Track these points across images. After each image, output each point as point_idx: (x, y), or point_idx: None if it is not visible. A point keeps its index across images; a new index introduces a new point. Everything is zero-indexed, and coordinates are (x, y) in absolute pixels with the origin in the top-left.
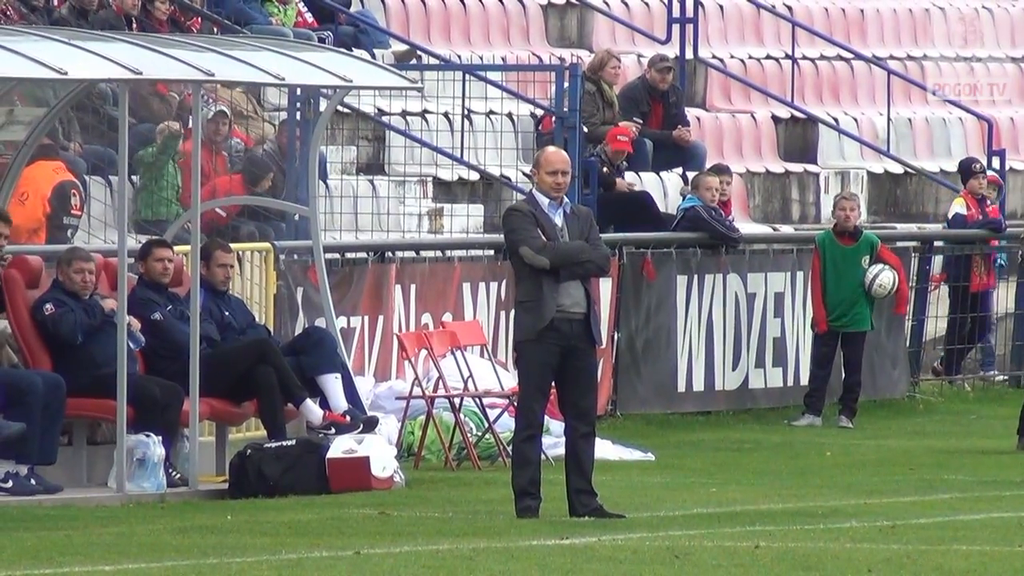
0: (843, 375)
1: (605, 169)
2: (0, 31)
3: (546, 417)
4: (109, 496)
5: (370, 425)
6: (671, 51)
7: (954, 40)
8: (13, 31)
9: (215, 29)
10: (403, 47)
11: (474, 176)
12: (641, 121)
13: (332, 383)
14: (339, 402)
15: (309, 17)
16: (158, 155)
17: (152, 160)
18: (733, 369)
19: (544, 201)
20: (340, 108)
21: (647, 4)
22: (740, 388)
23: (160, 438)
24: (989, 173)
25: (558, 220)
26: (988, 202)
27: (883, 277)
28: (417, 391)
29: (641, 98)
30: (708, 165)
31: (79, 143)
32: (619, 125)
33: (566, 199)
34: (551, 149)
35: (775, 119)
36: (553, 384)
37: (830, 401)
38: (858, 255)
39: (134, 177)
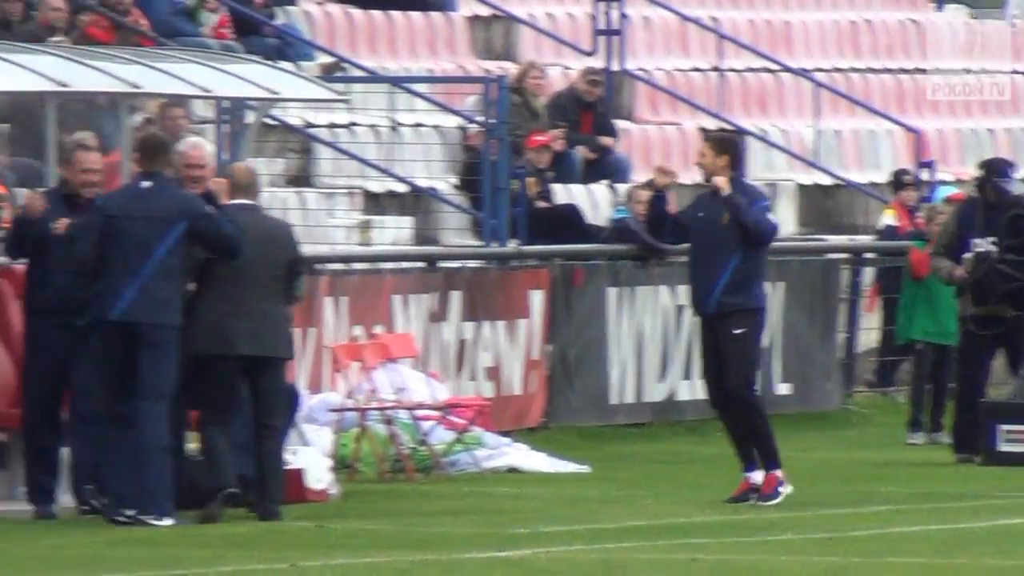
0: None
1: (532, 180)
2: None
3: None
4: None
5: None
6: (597, 63)
7: (880, 52)
8: None
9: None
10: (329, 59)
11: (403, 188)
12: (567, 125)
13: None
14: None
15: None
16: None
17: None
18: (660, 381)
19: None
20: (267, 120)
21: (572, 16)
22: (668, 400)
23: None
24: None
25: None
26: (918, 212)
27: None
28: (350, 403)
29: (570, 107)
30: (633, 177)
31: (7, 155)
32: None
33: None
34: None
35: (703, 131)
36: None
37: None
38: None
39: None
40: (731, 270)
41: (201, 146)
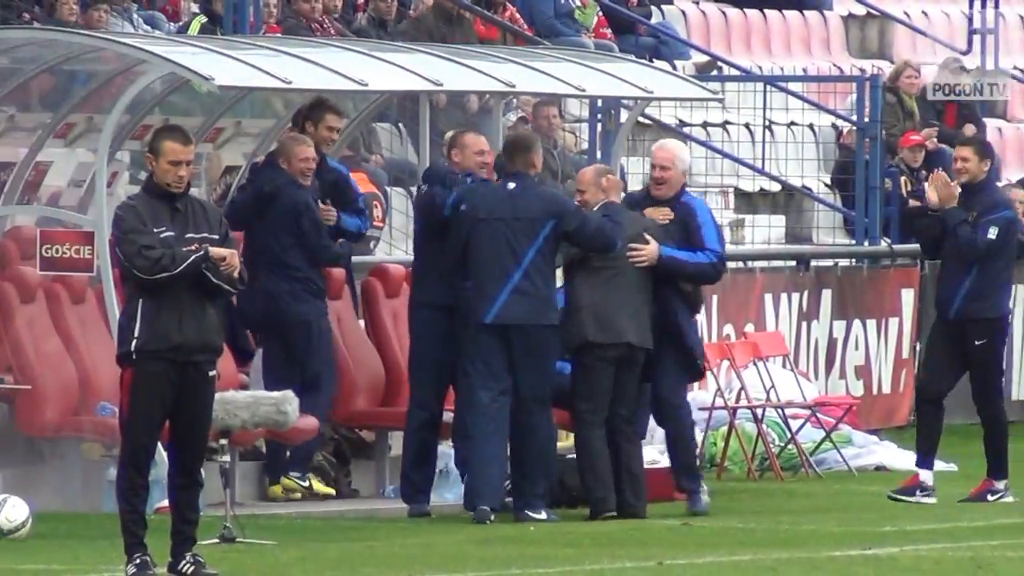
0: None
1: (905, 179)
2: (302, 43)
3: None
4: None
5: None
6: (971, 62)
7: None
8: (315, 43)
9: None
10: (704, 58)
11: (775, 187)
12: (937, 123)
13: None
14: None
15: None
16: None
17: None
18: None
19: None
20: (641, 119)
21: (947, 15)
22: None
23: None
24: None
25: None
26: None
27: None
28: (719, 402)
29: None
30: (1005, 175)
31: (380, 154)
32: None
33: None
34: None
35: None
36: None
37: None
38: None
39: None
40: (971, 276)
41: (666, 147)
